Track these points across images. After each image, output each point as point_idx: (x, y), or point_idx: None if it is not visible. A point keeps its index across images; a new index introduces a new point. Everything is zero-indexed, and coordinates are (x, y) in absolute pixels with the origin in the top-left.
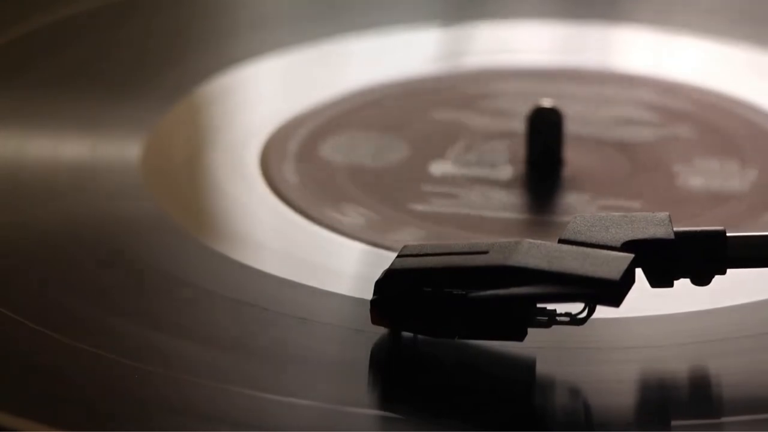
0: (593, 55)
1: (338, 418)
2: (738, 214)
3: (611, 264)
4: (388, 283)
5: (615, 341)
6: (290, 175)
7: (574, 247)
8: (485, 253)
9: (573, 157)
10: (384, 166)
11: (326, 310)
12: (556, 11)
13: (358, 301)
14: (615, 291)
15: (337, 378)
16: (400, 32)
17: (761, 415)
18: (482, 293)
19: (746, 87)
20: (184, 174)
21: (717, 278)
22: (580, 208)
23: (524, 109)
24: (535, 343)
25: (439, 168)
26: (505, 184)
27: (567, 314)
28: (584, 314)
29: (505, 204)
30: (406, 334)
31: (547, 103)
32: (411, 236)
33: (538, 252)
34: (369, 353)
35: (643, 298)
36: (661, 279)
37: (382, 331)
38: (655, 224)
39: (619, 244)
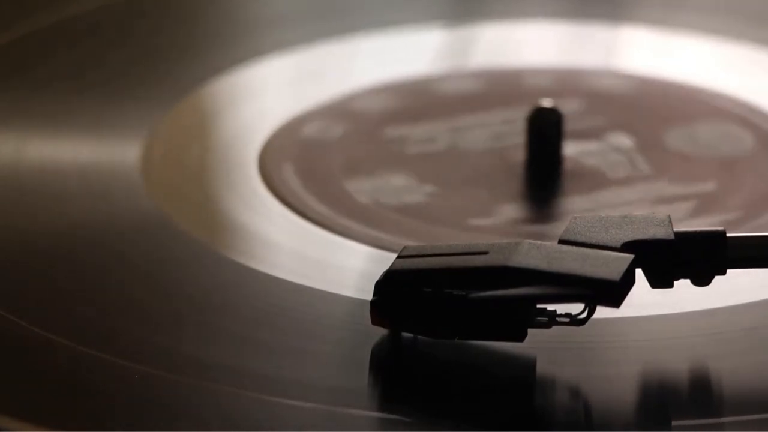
0: (595, 55)
1: (338, 418)
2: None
3: (611, 264)
4: (388, 284)
5: (615, 341)
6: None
7: (574, 248)
8: (485, 253)
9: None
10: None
11: (326, 311)
12: (559, 11)
13: (358, 301)
14: (615, 291)
15: (337, 378)
16: (402, 32)
17: (761, 415)
18: (482, 294)
19: (747, 87)
20: (184, 174)
21: (717, 278)
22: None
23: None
24: (535, 343)
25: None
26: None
27: (567, 315)
28: (584, 315)
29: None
30: (406, 334)
31: (547, 103)
32: (410, 238)
33: (538, 253)
34: (369, 353)
35: (643, 298)
36: (661, 279)
37: (382, 331)
38: (655, 225)
39: (619, 245)
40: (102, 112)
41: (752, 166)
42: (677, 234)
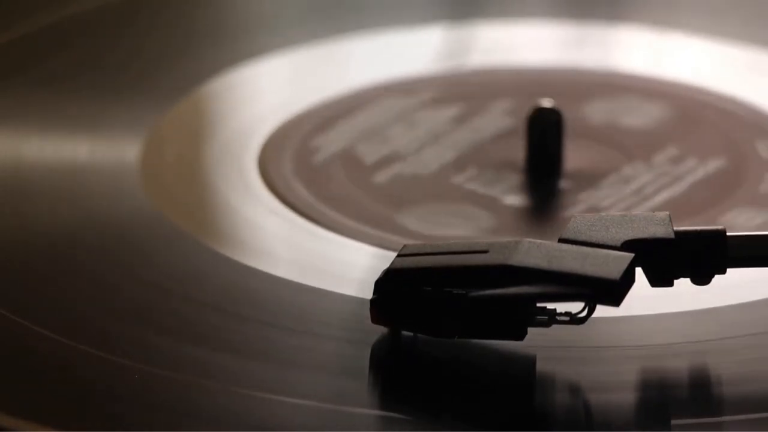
0: (593, 55)
1: (338, 418)
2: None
3: (611, 263)
4: (387, 283)
5: (615, 341)
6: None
7: (574, 247)
8: (485, 252)
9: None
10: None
11: (326, 310)
12: (556, 11)
13: (358, 300)
14: (615, 290)
15: (337, 378)
16: (400, 32)
17: (761, 414)
18: (482, 293)
19: (747, 87)
20: (183, 174)
21: (717, 278)
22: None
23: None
24: (535, 343)
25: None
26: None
27: (567, 314)
28: (584, 314)
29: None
30: (406, 333)
31: (547, 103)
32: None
33: (538, 251)
34: (369, 353)
35: (643, 298)
36: (661, 278)
37: (382, 330)
38: (655, 224)
39: (619, 244)
40: (102, 112)
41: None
42: (677, 233)
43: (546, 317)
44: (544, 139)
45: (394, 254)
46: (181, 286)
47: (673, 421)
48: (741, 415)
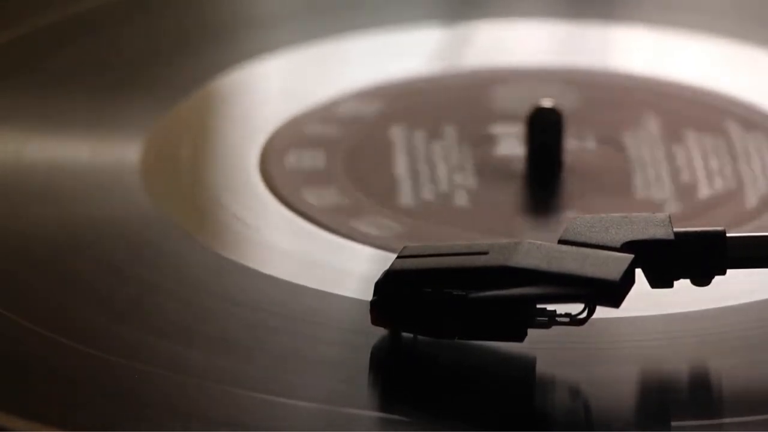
0: (593, 55)
1: (338, 418)
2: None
3: (611, 264)
4: (387, 284)
5: (615, 341)
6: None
7: (574, 248)
8: (485, 253)
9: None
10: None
11: (326, 311)
12: (555, 11)
13: (358, 302)
14: (615, 291)
15: (337, 378)
16: (400, 32)
17: (761, 415)
18: (482, 294)
19: (747, 87)
20: (184, 174)
21: (717, 278)
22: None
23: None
24: (535, 343)
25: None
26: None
27: (567, 315)
28: (584, 315)
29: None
30: (406, 334)
31: (547, 103)
32: (408, 235)
33: (538, 252)
34: (369, 353)
35: (643, 298)
36: (661, 279)
37: (382, 331)
38: (655, 225)
39: (618, 245)
40: (102, 112)
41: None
42: (677, 234)
43: (546, 318)
44: (544, 139)
45: (394, 255)
46: (182, 286)
47: (673, 422)
48: (741, 416)
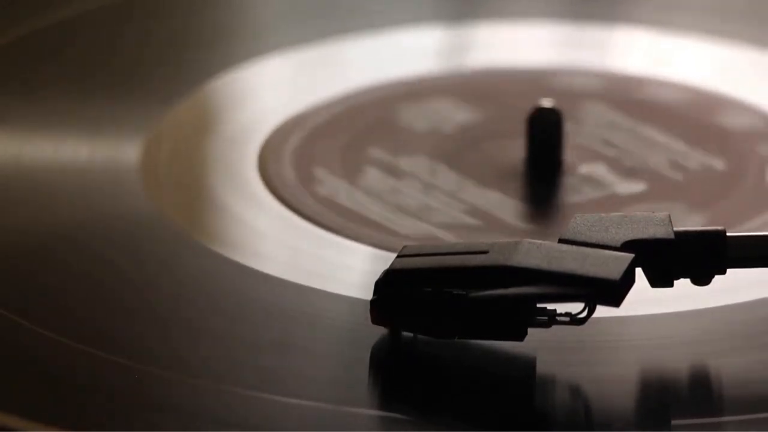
0: (593, 55)
1: (338, 418)
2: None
3: (611, 264)
4: (387, 283)
5: (615, 341)
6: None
7: (574, 247)
8: (485, 253)
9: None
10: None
11: (326, 311)
12: (556, 11)
13: (358, 301)
14: (615, 291)
15: (337, 378)
16: (400, 32)
17: (761, 414)
18: (482, 293)
19: (747, 87)
20: (183, 174)
21: (717, 278)
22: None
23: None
24: (535, 343)
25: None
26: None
27: (567, 314)
28: (584, 314)
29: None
30: (406, 334)
31: (547, 103)
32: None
33: (538, 252)
34: (369, 353)
35: (643, 298)
36: (661, 279)
37: (382, 331)
38: (655, 224)
39: (619, 244)
40: (102, 112)
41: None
42: (677, 233)
43: (546, 318)
44: (544, 139)
45: (393, 255)
46: (181, 286)
47: (674, 422)
48: (741, 415)
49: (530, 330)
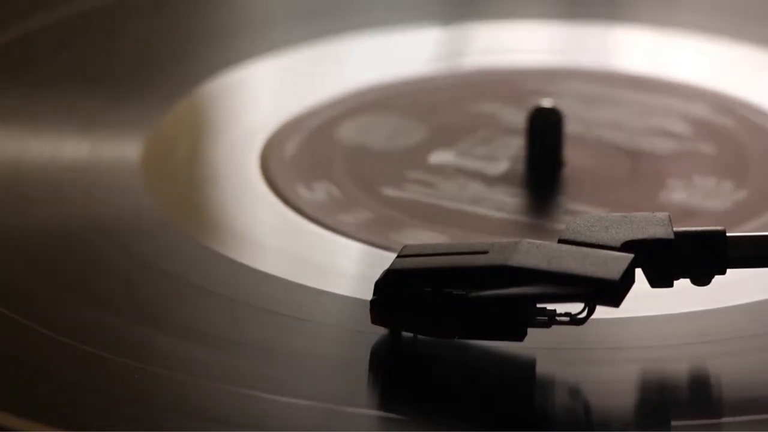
0: (593, 55)
1: (338, 418)
2: None
3: (611, 264)
4: (387, 284)
5: (615, 341)
6: (290, 175)
7: (574, 247)
8: (485, 253)
9: (572, 158)
10: (384, 165)
11: (326, 311)
12: (556, 11)
13: (358, 301)
14: (615, 291)
15: (337, 378)
16: (400, 32)
17: (761, 415)
18: (482, 293)
19: (748, 87)
20: (184, 174)
21: (717, 278)
22: (579, 209)
23: (524, 109)
24: (535, 343)
25: (438, 167)
26: (505, 184)
27: (567, 314)
28: (584, 314)
29: (504, 204)
30: (406, 334)
31: (547, 103)
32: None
33: (538, 252)
34: (369, 353)
35: (643, 298)
36: (661, 279)
37: (382, 331)
38: (655, 224)
39: (618, 244)
40: (102, 112)
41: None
42: (677, 233)
43: (546, 318)
44: (544, 139)
45: (394, 255)
46: (181, 285)
47: (673, 422)
48: (741, 416)
49: (530, 330)
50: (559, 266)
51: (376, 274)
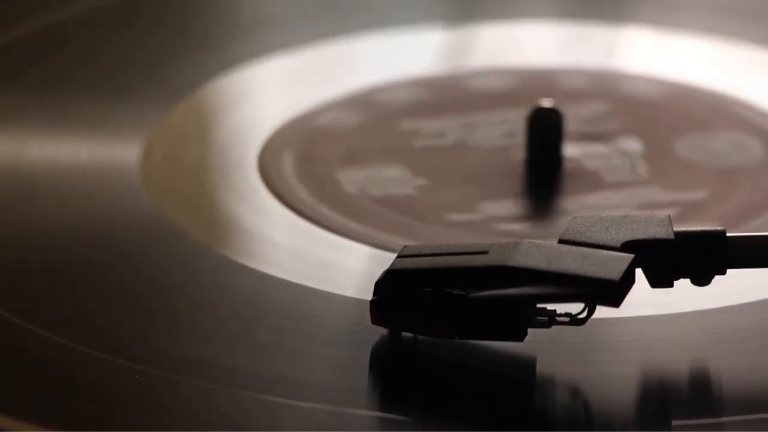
0: (595, 55)
1: (338, 418)
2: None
3: (611, 264)
4: (387, 284)
5: (615, 341)
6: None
7: (574, 248)
8: (485, 253)
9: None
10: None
11: (326, 311)
12: (557, 11)
13: (358, 301)
14: (615, 291)
15: (337, 378)
16: (402, 32)
17: (761, 415)
18: (482, 293)
19: (748, 87)
20: (184, 174)
21: (717, 278)
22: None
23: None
24: (535, 343)
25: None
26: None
27: (567, 314)
28: (584, 314)
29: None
30: (406, 334)
31: (547, 103)
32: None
33: (538, 252)
34: (369, 353)
35: (643, 298)
36: (661, 279)
37: (382, 331)
38: (655, 224)
39: (618, 245)
40: (101, 113)
41: (750, 175)
42: (677, 234)
43: (546, 318)
44: (544, 139)
45: (394, 255)
46: (181, 286)
47: (674, 422)
48: (741, 415)
49: (530, 330)
50: (559, 266)
51: (377, 274)
